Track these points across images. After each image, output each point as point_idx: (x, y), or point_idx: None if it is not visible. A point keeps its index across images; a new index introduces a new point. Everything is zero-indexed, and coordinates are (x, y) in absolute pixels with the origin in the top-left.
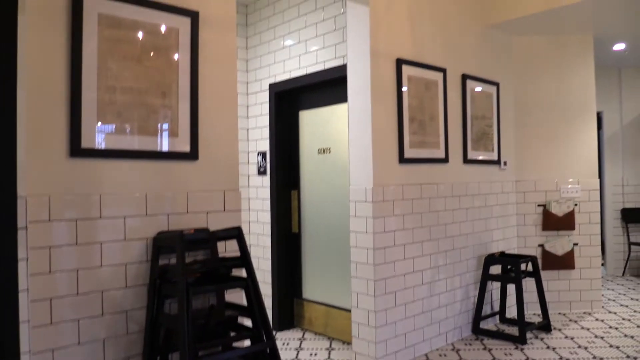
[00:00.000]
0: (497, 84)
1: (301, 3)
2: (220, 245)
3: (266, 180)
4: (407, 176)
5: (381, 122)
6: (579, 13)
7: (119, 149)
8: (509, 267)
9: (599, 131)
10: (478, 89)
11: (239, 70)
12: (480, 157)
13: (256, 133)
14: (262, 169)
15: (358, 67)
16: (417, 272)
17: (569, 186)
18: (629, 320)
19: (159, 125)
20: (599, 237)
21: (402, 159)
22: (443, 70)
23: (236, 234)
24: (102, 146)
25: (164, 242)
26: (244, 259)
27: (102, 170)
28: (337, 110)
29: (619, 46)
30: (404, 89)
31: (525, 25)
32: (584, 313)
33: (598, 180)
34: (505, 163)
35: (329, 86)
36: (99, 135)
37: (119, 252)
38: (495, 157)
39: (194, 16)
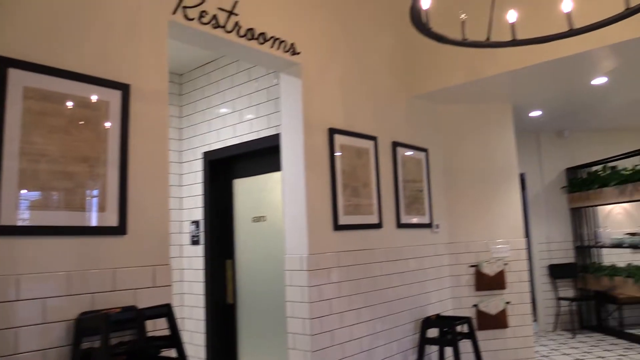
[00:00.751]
0: (426, 150)
1: (235, 74)
2: (150, 324)
3: (200, 250)
4: (342, 243)
5: (315, 190)
6: (498, 84)
7: (42, 225)
8: (445, 329)
9: (523, 192)
10: (408, 155)
11: (172, 138)
12: (413, 221)
13: (190, 202)
14: (195, 239)
15: (291, 137)
16: (355, 340)
17: (499, 246)
18: None
19: (86, 198)
20: (529, 294)
21: (337, 226)
22: (374, 139)
23: (166, 311)
24: (24, 222)
25: (87, 324)
26: (174, 338)
27: (22, 249)
28: (272, 179)
29: (536, 113)
30: (337, 157)
31: (449, 95)
32: None
33: (525, 239)
34: (437, 226)
35: (263, 155)
36: (20, 211)
37: (37, 336)
38: (428, 221)
39: (124, 89)
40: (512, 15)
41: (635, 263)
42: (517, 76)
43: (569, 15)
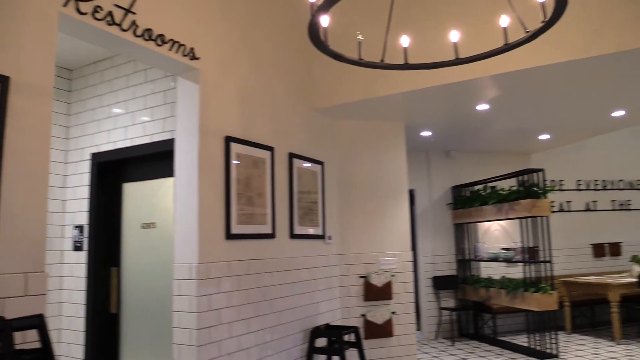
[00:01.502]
0: (322, 163)
1: (131, 74)
2: (20, 336)
3: (83, 256)
4: (234, 252)
5: (208, 198)
6: (392, 104)
7: None
8: (333, 339)
9: (412, 207)
10: (305, 166)
11: (56, 137)
12: (307, 232)
13: (74, 205)
14: (78, 244)
15: (186, 143)
16: (243, 351)
17: (387, 258)
18: None
19: None
20: (414, 304)
21: (229, 235)
22: (271, 149)
23: (37, 322)
24: None
25: None
26: (46, 352)
27: None
28: (165, 184)
29: (426, 133)
30: (233, 165)
31: (346, 111)
32: None
33: (411, 252)
34: (330, 237)
35: (156, 159)
36: None
37: None
38: (321, 232)
39: (3, 81)
40: (405, 40)
41: (509, 276)
42: (409, 97)
43: (455, 46)
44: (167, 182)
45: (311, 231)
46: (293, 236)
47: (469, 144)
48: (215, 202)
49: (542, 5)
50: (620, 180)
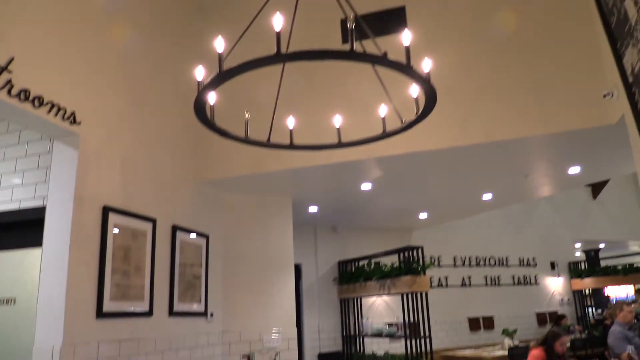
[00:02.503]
0: (207, 236)
1: (2, 133)
2: None
3: None
4: (105, 332)
5: (79, 271)
6: (280, 179)
7: None
8: None
9: (299, 282)
10: (188, 239)
11: None
12: (187, 309)
13: None
14: None
15: (59, 211)
16: None
17: (272, 336)
18: None
19: None
20: None
21: (101, 313)
22: (153, 221)
23: None
24: None
25: None
26: None
27: None
28: (30, 255)
29: (313, 209)
30: (110, 237)
31: (234, 184)
32: None
33: (296, 329)
34: (212, 314)
35: (23, 228)
36: None
37: None
38: (203, 309)
39: None
40: (291, 122)
41: (393, 351)
42: (297, 174)
43: (338, 130)
44: (34, 252)
45: (192, 307)
46: (172, 313)
47: (355, 220)
48: (87, 276)
49: (416, 100)
50: (491, 257)
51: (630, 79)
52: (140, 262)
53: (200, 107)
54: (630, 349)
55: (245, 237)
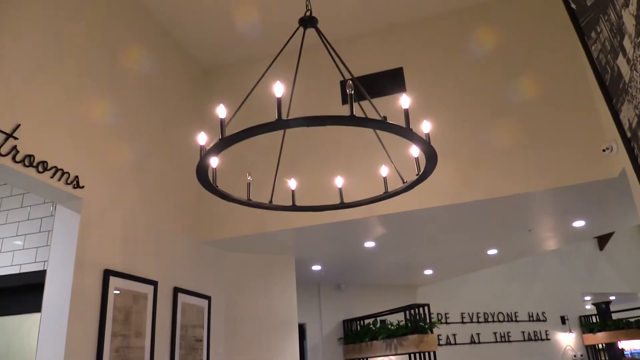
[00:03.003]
0: (209, 297)
1: (5, 197)
2: None
3: None
4: None
5: (78, 337)
6: (283, 238)
7: None
8: None
9: (303, 342)
10: (190, 301)
11: None
12: None
13: None
14: None
15: (59, 275)
16: None
17: None
18: None
19: None
20: None
21: None
22: (154, 283)
23: None
24: None
25: None
26: None
27: None
28: (29, 320)
29: (317, 267)
30: (110, 302)
31: (237, 244)
32: None
33: None
34: None
35: (22, 292)
36: None
37: None
38: None
39: None
40: (292, 184)
41: None
42: (299, 233)
43: (340, 190)
44: (32, 318)
45: None
46: None
47: (359, 278)
48: (86, 341)
49: (417, 160)
50: (500, 313)
51: (629, 134)
52: (140, 325)
53: (202, 172)
54: None
55: (248, 297)
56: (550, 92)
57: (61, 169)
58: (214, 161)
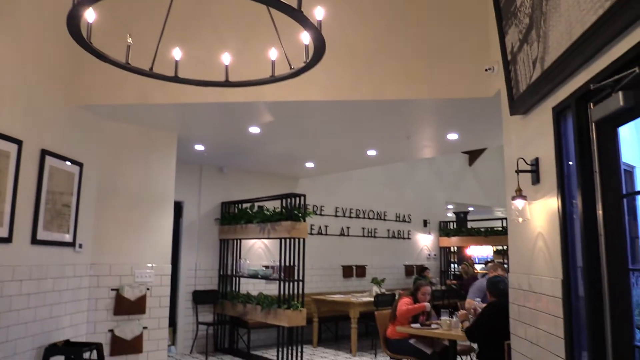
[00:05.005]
0: (81, 165)
1: None
2: None
3: None
4: None
5: None
6: (165, 113)
7: None
8: (71, 356)
9: (179, 219)
10: (60, 166)
11: None
12: (54, 238)
13: None
14: None
15: None
16: None
17: (144, 271)
18: None
19: None
20: (167, 319)
21: None
22: (19, 142)
23: None
24: None
25: None
26: None
27: None
28: None
29: (200, 147)
30: None
31: (116, 113)
32: None
33: (170, 265)
34: (80, 245)
35: None
36: None
37: None
38: (71, 239)
39: None
40: (177, 53)
41: (267, 292)
42: (184, 109)
43: (227, 68)
44: None
45: (60, 237)
46: (36, 242)
47: (242, 163)
48: None
49: (307, 48)
50: (371, 211)
51: (509, 57)
52: (1, 185)
53: (73, 24)
54: (478, 301)
55: (124, 169)
56: (449, 6)
57: None
58: (90, 14)
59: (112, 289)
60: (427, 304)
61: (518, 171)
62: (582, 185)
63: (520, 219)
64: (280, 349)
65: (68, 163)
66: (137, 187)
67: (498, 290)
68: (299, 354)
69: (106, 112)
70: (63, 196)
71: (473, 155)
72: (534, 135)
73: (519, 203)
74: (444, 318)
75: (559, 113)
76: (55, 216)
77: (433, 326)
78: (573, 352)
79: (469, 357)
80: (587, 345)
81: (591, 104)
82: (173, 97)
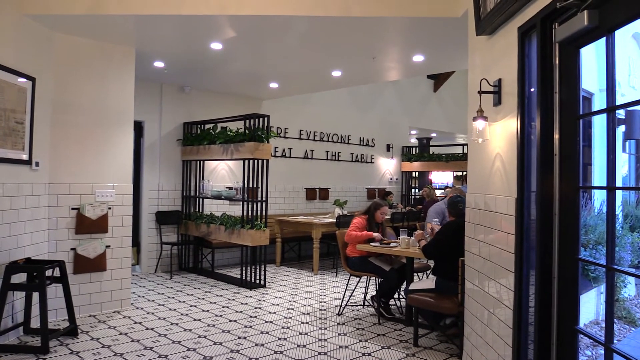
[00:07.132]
0: (33, 79)
1: None
2: None
3: None
4: None
5: None
6: (122, 25)
7: None
8: (34, 274)
9: (140, 139)
10: (10, 81)
11: None
12: (8, 156)
13: None
14: None
15: None
16: None
17: (105, 190)
18: (153, 313)
19: None
20: (130, 238)
21: None
22: None
23: None
24: None
25: None
26: None
27: None
28: None
29: (159, 64)
30: None
31: (69, 24)
32: (114, 312)
33: (132, 185)
34: (37, 164)
35: None
36: None
37: None
38: (26, 157)
39: None
40: None
41: (230, 213)
42: (142, 21)
43: None
44: None
45: (13, 155)
46: None
47: (204, 82)
48: None
49: None
50: (335, 134)
51: None
52: None
53: None
54: (436, 222)
55: (80, 85)
56: None
57: None
58: None
59: (73, 208)
60: (377, 234)
61: (481, 92)
62: (542, 106)
63: (480, 140)
64: (243, 268)
65: (20, 79)
66: (95, 105)
67: (457, 210)
68: (262, 273)
69: (57, 23)
70: (15, 113)
71: (438, 82)
72: (499, 57)
73: (479, 124)
74: (403, 237)
75: (523, 34)
76: (9, 133)
77: (392, 244)
78: (522, 267)
79: (424, 274)
80: (535, 261)
81: (556, 24)
82: (129, 8)
